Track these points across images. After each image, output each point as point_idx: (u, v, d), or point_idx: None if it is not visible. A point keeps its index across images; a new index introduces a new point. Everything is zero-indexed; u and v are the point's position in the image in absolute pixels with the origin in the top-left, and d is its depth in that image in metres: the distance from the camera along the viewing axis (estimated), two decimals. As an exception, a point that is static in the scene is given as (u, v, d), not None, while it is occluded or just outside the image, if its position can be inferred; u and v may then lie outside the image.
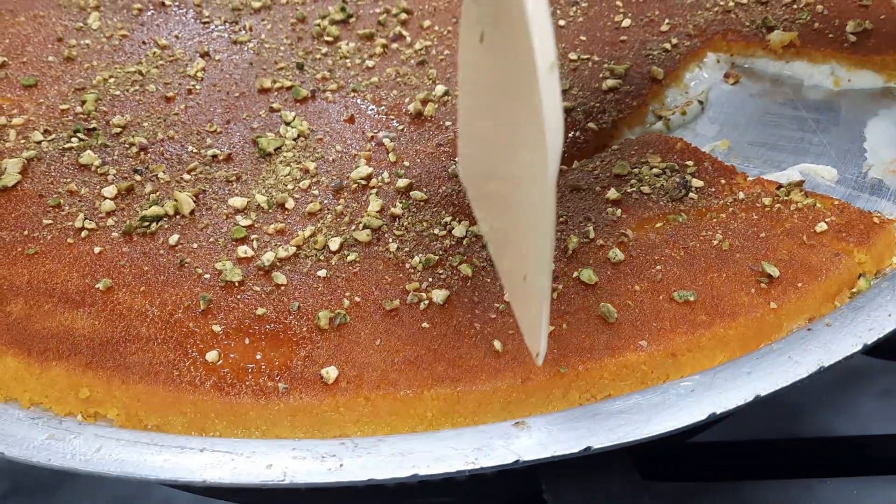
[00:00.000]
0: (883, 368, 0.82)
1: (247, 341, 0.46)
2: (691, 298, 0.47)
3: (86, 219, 0.55)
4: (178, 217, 0.55)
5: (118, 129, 0.63)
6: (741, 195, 0.54)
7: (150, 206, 0.55)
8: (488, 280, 0.49)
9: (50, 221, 0.55)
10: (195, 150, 0.61)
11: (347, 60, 0.70)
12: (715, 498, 0.71)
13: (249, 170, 0.59)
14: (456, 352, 0.45)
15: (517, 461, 0.39)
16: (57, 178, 0.59)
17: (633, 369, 0.45)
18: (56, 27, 0.77)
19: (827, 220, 0.52)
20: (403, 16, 0.75)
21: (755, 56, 0.69)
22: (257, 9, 0.78)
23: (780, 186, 0.55)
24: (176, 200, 0.56)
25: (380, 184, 0.57)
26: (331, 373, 0.44)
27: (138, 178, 0.59)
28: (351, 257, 0.51)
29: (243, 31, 0.75)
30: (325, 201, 0.56)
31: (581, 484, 0.43)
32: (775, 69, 0.69)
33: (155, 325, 0.48)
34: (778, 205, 0.54)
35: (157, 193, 0.57)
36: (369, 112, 0.65)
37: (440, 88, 0.65)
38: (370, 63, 0.70)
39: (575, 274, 0.49)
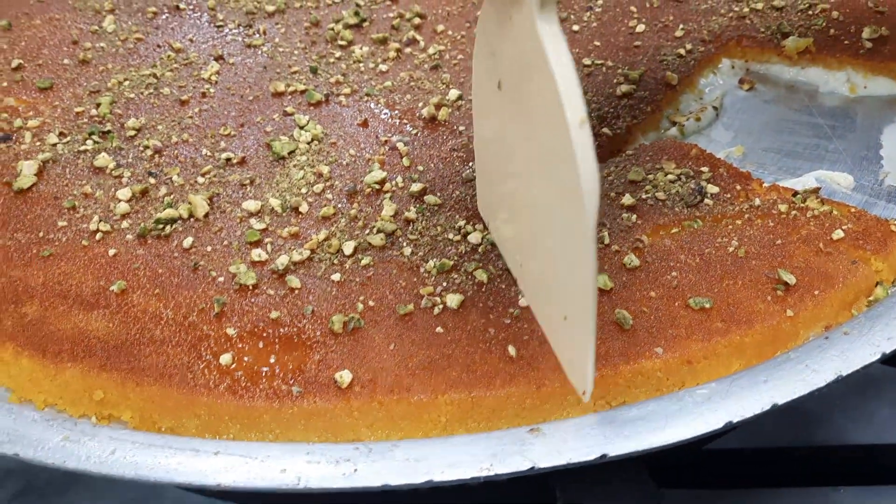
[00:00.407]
0: (897, 377, 0.81)
1: (261, 345, 0.46)
2: (707, 305, 0.47)
3: (100, 221, 0.55)
4: (192, 220, 0.55)
5: (133, 132, 0.64)
6: (757, 202, 0.54)
7: (164, 209, 0.56)
8: (503, 286, 0.49)
9: (65, 223, 0.55)
10: (209, 154, 0.61)
11: (361, 65, 0.71)
12: (728, 506, 0.71)
13: (263, 173, 0.59)
14: (470, 357, 0.45)
15: (532, 468, 0.39)
16: (72, 181, 0.59)
17: (649, 376, 0.45)
18: (71, 30, 0.77)
19: (843, 227, 0.52)
20: (417, 20, 0.75)
21: (770, 62, 0.69)
22: (271, 13, 0.78)
23: (796, 193, 0.55)
24: (190, 203, 0.56)
25: (393, 188, 0.57)
26: (345, 377, 0.44)
27: (152, 180, 0.59)
28: (365, 261, 0.51)
29: (257, 35, 0.75)
30: (339, 205, 0.56)
31: (595, 491, 0.42)
32: (790, 75, 0.68)
33: (169, 328, 0.48)
34: (794, 212, 0.53)
35: (172, 196, 0.57)
36: (383, 116, 0.65)
37: (454, 93, 0.65)
38: (384, 67, 0.70)
39: None
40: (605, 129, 0.62)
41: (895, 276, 0.51)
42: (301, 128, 0.63)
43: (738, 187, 0.56)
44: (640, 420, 0.40)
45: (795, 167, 0.61)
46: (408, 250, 0.52)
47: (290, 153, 0.61)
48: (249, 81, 0.69)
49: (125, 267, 0.52)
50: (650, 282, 0.49)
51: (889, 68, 0.66)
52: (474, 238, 0.53)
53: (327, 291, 0.49)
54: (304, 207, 0.56)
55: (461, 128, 0.63)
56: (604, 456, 0.39)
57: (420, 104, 0.65)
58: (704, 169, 0.57)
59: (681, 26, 0.71)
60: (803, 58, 0.68)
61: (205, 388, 0.44)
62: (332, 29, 0.75)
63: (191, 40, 0.75)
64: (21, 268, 0.52)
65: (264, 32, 0.76)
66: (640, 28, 0.71)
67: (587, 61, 0.68)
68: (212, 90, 0.69)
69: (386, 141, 0.62)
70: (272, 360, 0.45)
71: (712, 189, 0.55)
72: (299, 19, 0.77)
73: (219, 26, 0.77)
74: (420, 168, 0.59)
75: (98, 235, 0.54)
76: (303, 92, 0.67)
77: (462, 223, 0.54)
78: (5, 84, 0.69)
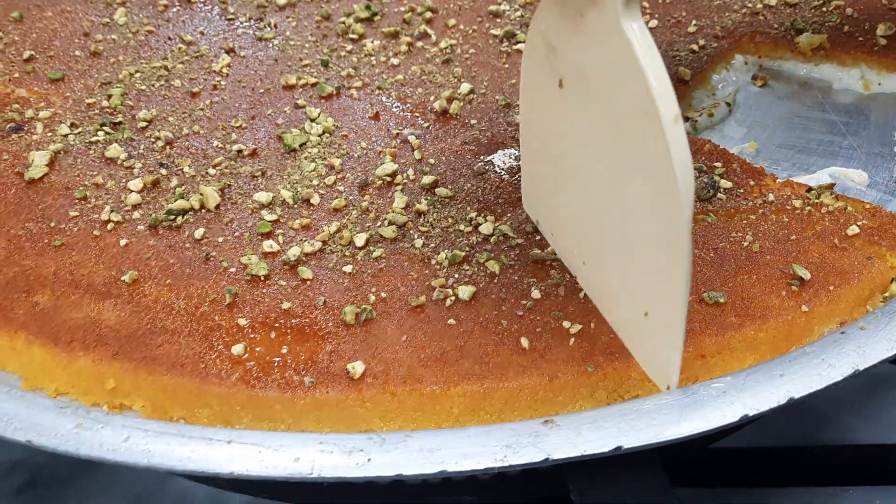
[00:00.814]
0: (907, 377, 0.81)
1: (273, 335, 0.46)
2: (721, 300, 0.47)
3: (112, 211, 0.55)
4: (203, 211, 0.55)
5: (144, 124, 0.64)
6: (771, 197, 0.54)
7: (175, 200, 0.55)
8: (515, 277, 0.49)
9: (76, 213, 0.55)
10: (220, 145, 0.61)
11: (372, 58, 0.70)
12: (738, 504, 0.71)
13: (274, 165, 0.59)
14: (482, 349, 0.45)
15: (546, 459, 0.39)
16: (83, 171, 0.59)
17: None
18: (83, 22, 0.77)
19: (858, 223, 0.51)
20: (428, 14, 0.75)
21: (783, 58, 0.69)
22: (282, 6, 0.78)
23: (810, 189, 0.55)
24: (202, 194, 0.56)
25: (405, 181, 0.57)
26: (357, 368, 0.44)
27: (164, 171, 0.59)
28: (376, 253, 0.51)
29: (268, 29, 0.75)
30: (351, 197, 0.56)
31: (609, 485, 0.42)
32: (804, 72, 0.68)
33: (181, 318, 0.48)
34: (808, 207, 0.53)
35: (183, 187, 0.57)
36: (394, 109, 0.64)
37: (465, 87, 0.65)
38: (395, 61, 0.70)
39: None
40: (618, 124, 0.62)
41: (910, 272, 0.51)
42: (312, 120, 0.63)
43: (752, 182, 0.56)
44: (655, 413, 0.40)
45: (809, 163, 0.61)
46: (419, 242, 0.52)
47: (301, 145, 0.61)
48: (260, 74, 0.69)
49: (137, 257, 0.52)
50: None
51: (903, 65, 0.66)
52: (486, 229, 0.52)
53: (339, 283, 0.49)
54: (315, 199, 0.56)
55: (473, 121, 0.62)
56: (618, 448, 0.39)
57: (432, 98, 0.65)
58: (717, 164, 0.57)
59: (693, 22, 0.71)
60: (817, 54, 0.68)
61: (217, 378, 0.44)
62: (343, 23, 0.74)
63: (202, 33, 0.75)
64: (33, 257, 0.52)
65: (275, 26, 0.76)
66: (653, 23, 0.71)
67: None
68: (223, 83, 0.68)
69: (397, 134, 0.62)
70: (284, 351, 0.45)
71: (725, 184, 0.55)
72: (310, 13, 0.77)
73: (229, 19, 0.77)
74: (431, 161, 0.59)
75: (109, 226, 0.54)
76: (314, 85, 0.67)
77: (473, 215, 0.54)
78: (17, 75, 0.69)
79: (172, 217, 0.55)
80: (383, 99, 0.66)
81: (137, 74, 0.70)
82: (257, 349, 0.46)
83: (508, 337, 0.45)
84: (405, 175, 0.57)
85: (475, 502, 0.54)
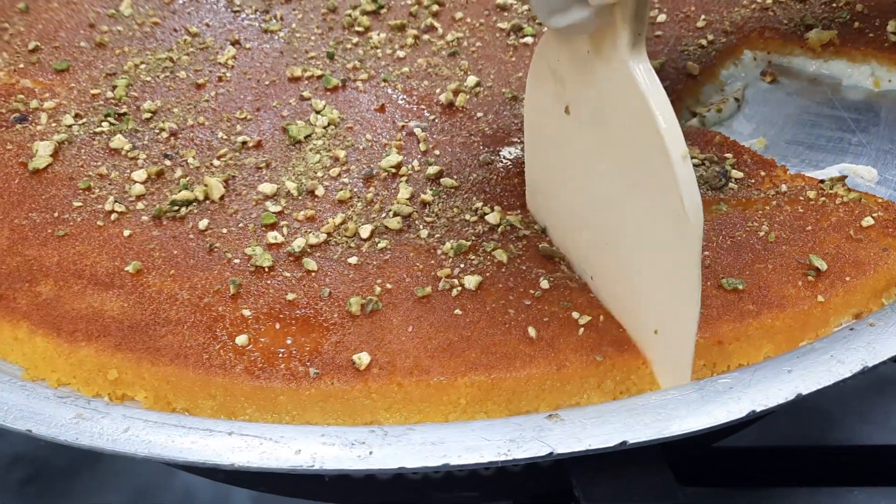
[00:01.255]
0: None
1: (277, 326, 0.46)
2: (740, 287, 0.46)
3: (116, 202, 0.55)
4: (207, 202, 0.55)
5: (148, 115, 0.63)
6: (784, 188, 0.54)
7: (179, 191, 0.55)
8: (523, 268, 0.49)
9: (80, 204, 0.55)
10: (225, 137, 0.61)
11: (378, 51, 0.70)
12: None
13: (279, 157, 0.59)
14: (489, 339, 0.44)
15: (551, 454, 0.39)
16: (87, 162, 0.59)
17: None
18: (88, 13, 0.77)
19: (874, 215, 0.51)
20: (435, 7, 0.74)
21: (793, 55, 0.68)
22: (288, -2, 0.78)
23: (822, 181, 0.55)
24: (206, 185, 0.55)
25: (410, 172, 0.56)
26: (363, 358, 0.43)
27: (168, 162, 0.58)
28: (381, 244, 0.51)
29: (274, 21, 0.75)
30: (355, 189, 0.55)
31: (614, 481, 0.42)
32: (813, 68, 0.68)
33: (185, 309, 0.47)
34: (823, 198, 0.53)
35: (187, 178, 0.57)
36: (400, 102, 0.64)
37: (472, 79, 0.65)
38: (401, 54, 0.69)
39: None
40: (625, 119, 0.62)
41: (926, 265, 0.51)
42: (317, 112, 0.63)
43: (763, 173, 0.55)
44: (661, 408, 0.40)
45: (818, 160, 0.60)
46: (424, 233, 0.51)
47: (306, 137, 0.60)
48: (266, 66, 0.69)
49: (140, 248, 0.52)
50: None
51: (914, 62, 0.65)
52: (492, 218, 0.52)
53: (344, 274, 0.49)
54: (320, 191, 0.55)
55: (479, 114, 0.62)
56: (624, 443, 0.39)
57: (438, 90, 0.65)
58: (728, 155, 0.56)
59: (702, 17, 0.70)
60: (827, 51, 0.67)
61: (221, 369, 0.44)
62: (350, 15, 0.74)
63: (207, 25, 0.75)
64: (36, 247, 0.52)
65: (281, 18, 0.75)
66: (661, 18, 0.71)
67: (607, 51, 0.68)
68: (228, 74, 0.68)
69: (403, 126, 0.61)
70: (289, 342, 0.45)
71: (737, 174, 0.54)
72: (316, 5, 0.77)
73: (235, 11, 0.77)
74: (437, 153, 0.58)
75: (113, 216, 0.54)
76: (319, 77, 0.67)
77: (479, 204, 0.53)
78: (22, 66, 0.68)
79: (176, 208, 0.54)
80: (389, 91, 0.65)
81: (143, 66, 0.69)
82: (262, 340, 0.45)
83: (516, 326, 0.45)
84: (410, 166, 0.57)
85: (478, 498, 0.54)
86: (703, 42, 0.68)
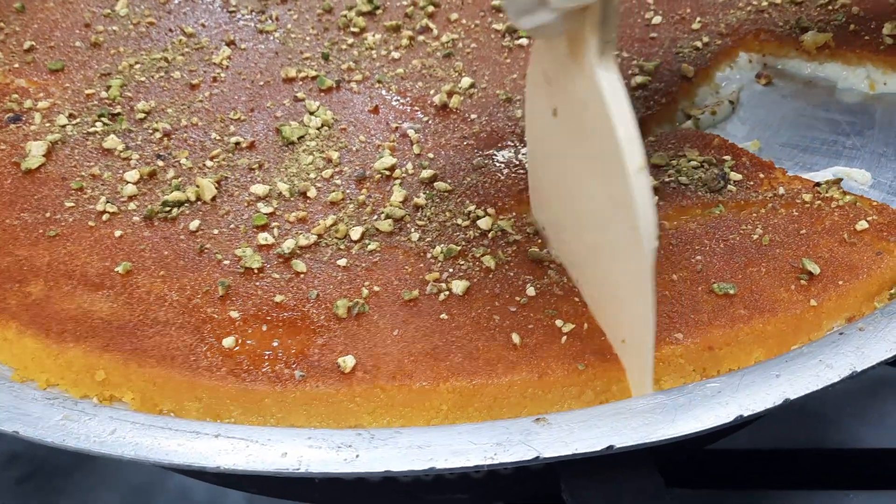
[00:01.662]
0: (911, 380, 0.80)
1: (264, 328, 0.46)
2: (731, 291, 0.46)
3: (107, 202, 0.55)
4: (199, 203, 0.55)
5: (142, 115, 0.63)
6: (781, 191, 0.53)
7: (171, 192, 0.55)
8: (511, 274, 0.49)
9: (72, 204, 0.55)
10: (218, 137, 0.61)
11: (373, 52, 0.70)
12: (735, 506, 0.70)
13: (272, 158, 0.59)
14: (473, 344, 0.44)
15: (537, 458, 0.39)
16: (80, 162, 0.59)
17: (669, 363, 0.44)
18: (84, 13, 0.77)
19: (868, 218, 0.51)
20: (431, 8, 0.74)
21: (788, 57, 0.68)
22: (284, -1, 0.78)
23: (818, 184, 0.54)
24: (198, 186, 0.55)
25: (403, 174, 0.56)
26: (348, 362, 0.43)
27: (161, 163, 0.58)
28: (371, 246, 0.51)
29: (269, 21, 0.75)
30: (348, 191, 0.55)
31: (602, 484, 0.42)
32: (809, 71, 0.67)
33: (173, 310, 0.47)
34: (818, 202, 0.53)
35: (179, 179, 0.57)
36: (394, 103, 0.64)
37: (466, 81, 0.65)
38: (396, 55, 0.69)
39: None
40: (619, 121, 0.61)
41: (919, 268, 0.50)
42: (311, 113, 0.63)
43: (762, 176, 0.55)
44: (648, 412, 0.40)
45: (812, 163, 0.60)
46: (415, 236, 0.51)
47: (299, 138, 0.60)
48: (260, 67, 0.69)
49: (131, 248, 0.52)
50: (672, 265, 0.48)
51: (910, 65, 0.65)
52: (484, 223, 0.52)
53: (333, 276, 0.49)
54: (312, 192, 0.55)
55: (473, 116, 0.62)
56: (610, 447, 0.39)
57: (432, 92, 0.65)
58: (727, 157, 0.56)
59: (698, 19, 0.70)
60: (822, 53, 0.67)
61: (207, 371, 0.44)
62: (345, 16, 0.74)
63: (203, 25, 0.75)
64: (27, 247, 0.52)
65: (276, 19, 0.75)
66: (657, 20, 0.70)
67: (602, 52, 0.67)
68: (222, 75, 0.68)
69: (396, 128, 0.61)
70: (275, 344, 0.45)
71: (735, 176, 0.54)
72: (312, 6, 0.77)
73: (231, 12, 0.77)
74: (430, 155, 0.58)
75: (105, 216, 0.54)
76: (314, 78, 0.67)
77: (472, 208, 0.53)
78: (17, 65, 0.68)
79: (168, 208, 0.54)
80: (383, 92, 0.65)
81: (137, 66, 0.69)
82: (248, 342, 0.45)
83: (500, 332, 0.45)
84: (404, 169, 0.57)
85: (468, 500, 0.54)
86: (699, 44, 0.67)
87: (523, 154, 0.58)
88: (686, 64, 0.65)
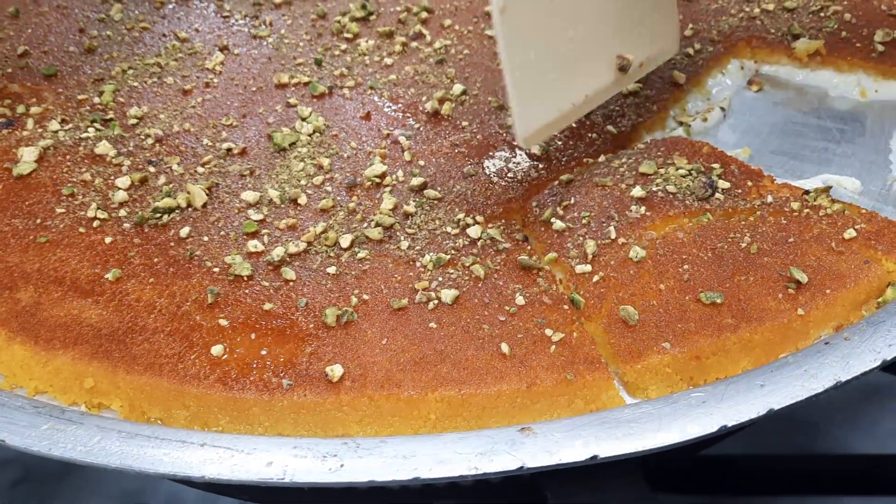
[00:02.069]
0: (903, 386, 0.80)
1: (253, 336, 0.46)
2: (718, 301, 0.46)
3: (98, 209, 0.55)
4: (190, 210, 0.55)
5: (134, 121, 0.63)
6: (769, 199, 0.53)
7: (162, 198, 0.55)
8: (500, 283, 0.49)
9: (63, 210, 0.55)
10: (210, 144, 0.61)
11: (366, 58, 0.70)
12: (726, 512, 0.70)
13: (263, 164, 0.59)
14: (462, 353, 0.44)
15: (521, 467, 0.39)
16: (72, 168, 0.59)
17: (657, 372, 0.44)
18: (78, 18, 0.77)
19: (856, 227, 0.51)
20: (424, 14, 0.74)
21: (780, 64, 0.68)
22: (278, 4, 0.78)
23: (807, 192, 0.54)
24: (189, 193, 0.55)
25: (394, 182, 0.56)
26: (335, 371, 0.43)
27: (152, 169, 0.58)
28: (361, 254, 0.51)
29: (263, 27, 0.75)
30: (338, 198, 0.56)
31: (588, 492, 0.42)
32: (800, 78, 0.67)
33: (162, 317, 0.47)
34: (806, 210, 0.53)
35: (171, 186, 0.57)
36: (386, 109, 0.64)
37: (458, 87, 0.65)
38: (389, 61, 0.69)
39: (596, 278, 0.48)
40: (610, 127, 0.62)
41: (906, 278, 0.50)
42: (303, 119, 0.63)
43: (750, 183, 0.55)
44: (633, 422, 0.40)
45: (802, 170, 0.60)
46: (405, 244, 0.51)
47: (291, 144, 0.60)
48: (253, 72, 0.69)
49: (121, 255, 0.52)
50: (660, 274, 0.48)
51: (901, 72, 0.65)
52: (474, 232, 0.52)
53: (322, 284, 0.49)
54: (302, 199, 0.55)
55: (464, 123, 0.62)
56: (594, 457, 0.39)
57: (424, 98, 0.65)
58: (715, 165, 0.56)
59: (690, 26, 0.70)
60: (814, 60, 0.67)
61: (195, 379, 0.44)
62: (339, 21, 0.74)
63: (196, 30, 0.75)
64: (18, 253, 0.52)
65: (270, 24, 0.75)
66: (649, 27, 0.70)
67: (594, 59, 0.68)
68: (215, 80, 0.68)
69: (388, 135, 0.61)
70: (264, 353, 0.45)
71: (723, 184, 0.54)
72: (306, 11, 0.77)
73: (225, 17, 0.77)
74: (421, 163, 0.58)
75: (95, 223, 0.54)
76: (306, 84, 0.67)
77: (461, 216, 0.53)
78: (10, 70, 0.69)
79: (159, 215, 0.54)
80: (375, 99, 0.65)
81: (130, 71, 0.70)
82: (237, 350, 0.45)
83: (489, 342, 0.45)
84: (394, 176, 0.57)
85: (458, 506, 0.54)
86: (691, 51, 0.67)
87: (514, 162, 0.58)
88: (677, 71, 0.66)
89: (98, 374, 0.45)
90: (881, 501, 0.72)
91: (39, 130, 0.62)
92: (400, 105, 0.64)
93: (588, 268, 0.49)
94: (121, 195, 0.56)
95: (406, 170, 0.58)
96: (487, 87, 0.66)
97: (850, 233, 0.50)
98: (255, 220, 0.54)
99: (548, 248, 0.52)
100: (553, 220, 0.53)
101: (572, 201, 0.54)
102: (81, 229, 0.54)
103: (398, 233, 0.52)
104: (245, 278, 0.49)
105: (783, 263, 0.49)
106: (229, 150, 0.60)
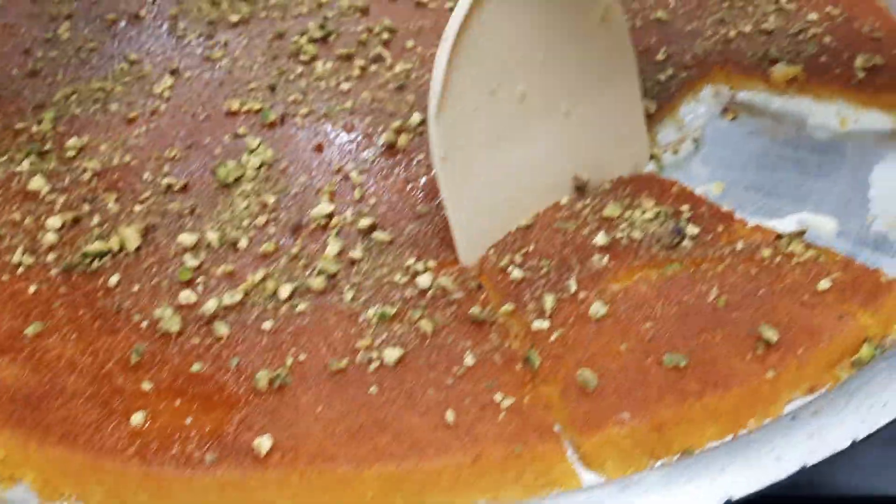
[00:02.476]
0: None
1: (178, 403, 0.42)
2: (682, 363, 0.43)
3: (24, 253, 0.51)
4: (122, 254, 0.52)
5: (73, 152, 0.60)
6: (739, 245, 0.50)
7: (93, 241, 0.52)
8: (449, 340, 0.45)
9: (-14, 255, 0.51)
10: (150, 178, 0.58)
11: (322, 82, 0.66)
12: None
13: (205, 202, 0.55)
14: (404, 423, 0.41)
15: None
16: (1, 206, 0.55)
17: (616, 445, 0.41)
18: (25, 38, 0.74)
19: (831, 276, 0.47)
20: (386, 35, 0.71)
21: (756, 90, 0.65)
22: (234, 23, 0.74)
23: (780, 236, 0.51)
24: (121, 236, 0.52)
25: (341, 223, 0.53)
26: (264, 444, 0.40)
27: (87, 208, 0.55)
28: (301, 307, 0.47)
29: (217, 48, 0.71)
30: (282, 241, 0.52)
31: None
32: (777, 105, 0.64)
33: (82, 379, 0.44)
34: (778, 257, 0.49)
35: (104, 227, 0.53)
36: (339, 141, 0.61)
37: (416, 117, 0.61)
38: (346, 86, 0.66)
39: (554, 336, 0.45)
40: (575, 161, 0.58)
41: (884, 332, 0.47)
42: (251, 152, 0.59)
43: (720, 228, 0.52)
44: (580, 510, 0.36)
45: (777, 208, 0.56)
46: (349, 295, 0.48)
47: (236, 180, 0.57)
48: (203, 99, 0.66)
49: (45, 306, 0.48)
50: (621, 333, 0.45)
51: (882, 101, 0.61)
52: (423, 281, 0.49)
53: (256, 341, 0.45)
54: (243, 243, 0.52)
55: (420, 157, 0.58)
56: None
57: (380, 128, 0.61)
58: (684, 208, 0.53)
59: (663, 49, 0.66)
60: (791, 86, 0.63)
61: (111, 452, 0.40)
62: (296, 42, 0.71)
63: (147, 52, 0.72)
64: (-66, 305, 0.48)
65: (225, 44, 0.72)
66: (620, 50, 0.67)
67: (561, 85, 0.64)
68: (163, 107, 0.65)
69: (339, 169, 0.58)
70: (188, 421, 0.42)
71: (692, 230, 0.51)
72: (263, 30, 0.73)
73: (179, 37, 0.73)
74: (372, 201, 0.55)
75: (20, 270, 0.51)
76: (258, 111, 0.64)
77: (412, 261, 0.50)
78: (-56, 97, 0.65)
79: (88, 260, 0.51)
80: (328, 129, 0.62)
81: (74, 96, 0.66)
82: (159, 419, 0.42)
83: (433, 409, 0.42)
84: (342, 217, 0.54)
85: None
86: (662, 77, 0.64)
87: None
88: (648, 99, 0.62)
89: (9, 444, 0.42)
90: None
91: (-30, 164, 0.58)
92: (354, 135, 0.61)
93: (546, 324, 0.46)
94: (50, 237, 0.52)
95: (355, 209, 0.54)
96: (448, 115, 0.63)
97: (824, 284, 0.47)
98: (190, 267, 0.50)
99: (504, 298, 0.48)
100: (510, 267, 0.49)
101: (531, 248, 0.50)
102: (5, 276, 0.50)
103: (342, 282, 0.49)
104: (174, 335, 0.46)
105: (752, 319, 0.45)
106: (170, 186, 0.56)
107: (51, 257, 0.51)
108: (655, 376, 0.42)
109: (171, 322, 0.46)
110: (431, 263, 0.50)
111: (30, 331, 0.46)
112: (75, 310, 0.48)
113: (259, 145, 0.60)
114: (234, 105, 0.64)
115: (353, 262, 0.50)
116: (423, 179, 0.57)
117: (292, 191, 0.56)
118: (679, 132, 0.63)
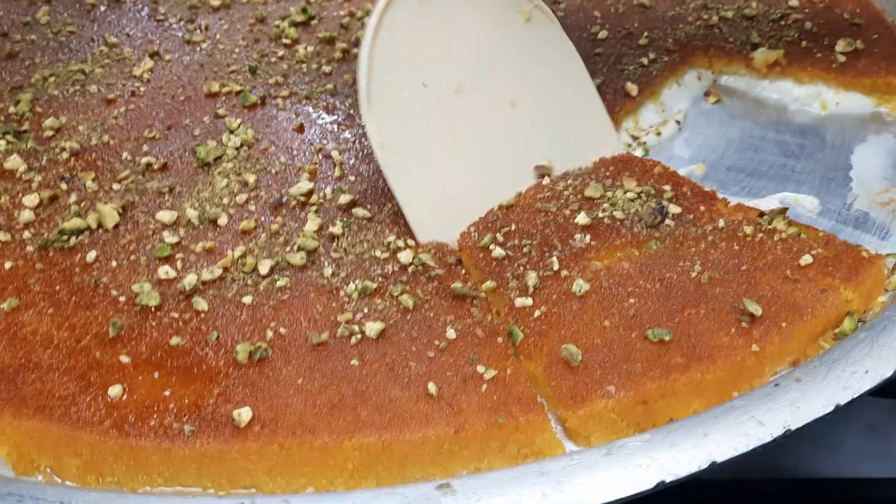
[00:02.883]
0: (868, 402, 0.77)
1: (156, 375, 0.42)
2: (666, 338, 0.43)
3: (0, 230, 0.50)
4: (100, 231, 0.51)
5: (51, 132, 0.59)
6: (721, 223, 0.50)
7: (70, 218, 0.51)
8: (430, 314, 0.45)
9: (-40, 232, 0.50)
10: (129, 158, 0.57)
11: (304, 65, 0.66)
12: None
13: (185, 181, 0.55)
14: (385, 395, 0.41)
15: (437, 529, 0.35)
16: (-23, 185, 0.54)
17: (601, 418, 0.41)
18: (3, 21, 0.73)
19: (812, 252, 0.47)
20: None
21: (738, 74, 0.65)
22: (216, 7, 0.74)
23: (762, 214, 0.51)
24: (98, 213, 0.51)
25: (321, 200, 0.53)
26: (243, 415, 0.39)
27: (64, 186, 0.54)
28: (281, 282, 0.47)
29: (198, 31, 0.71)
30: (262, 218, 0.52)
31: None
32: (759, 89, 0.64)
33: (59, 353, 0.43)
34: (760, 234, 0.49)
35: (82, 204, 0.53)
36: (320, 121, 0.60)
37: (399, 98, 0.61)
38: (327, 69, 0.65)
39: (537, 313, 0.45)
40: (558, 142, 0.58)
41: (865, 306, 0.47)
42: (231, 132, 0.59)
43: (703, 207, 0.52)
44: (563, 476, 0.36)
45: (759, 188, 0.57)
46: (329, 270, 0.47)
47: (216, 159, 0.56)
48: (183, 80, 0.65)
49: (20, 282, 0.47)
50: (605, 309, 0.45)
51: (862, 84, 0.62)
52: (404, 257, 0.48)
53: (236, 316, 0.45)
54: (223, 220, 0.51)
55: (402, 136, 0.58)
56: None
57: (362, 110, 0.61)
58: (667, 187, 0.53)
59: (645, 34, 0.67)
60: (773, 70, 0.64)
61: (88, 424, 0.40)
62: (278, 26, 0.70)
63: (128, 35, 0.71)
64: None
65: (206, 28, 0.71)
66: (603, 34, 0.67)
67: (544, 68, 0.64)
68: (142, 89, 0.64)
69: (320, 149, 0.57)
70: (167, 394, 0.41)
71: (674, 209, 0.51)
72: (244, 15, 0.73)
73: (159, 20, 0.73)
74: (352, 178, 0.55)
75: (-5, 246, 0.50)
76: (238, 93, 0.63)
77: (392, 238, 0.50)
78: (-81, 79, 0.64)
79: (65, 237, 0.50)
80: (309, 109, 0.61)
81: (52, 78, 0.65)
82: (137, 391, 0.41)
83: (415, 381, 0.41)
84: (322, 194, 0.53)
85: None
86: (645, 60, 0.64)
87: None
88: (630, 82, 0.62)
89: (-17, 418, 0.41)
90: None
91: (-55, 144, 0.57)
92: (335, 116, 0.61)
93: (529, 301, 0.45)
94: (27, 215, 0.52)
95: (335, 186, 0.54)
96: (430, 97, 0.62)
97: (806, 259, 0.47)
98: (169, 244, 0.49)
99: (486, 276, 0.48)
100: (492, 246, 0.49)
101: (513, 227, 0.50)
102: (-21, 254, 0.49)
103: (322, 258, 0.48)
104: (153, 309, 0.45)
105: (736, 294, 0.45)
106: (149, 165, 0.56)
107: (27, 234, 0.51)
108: (640, 351, 0.42)
109: (149, 297, 0.45)
110: (412, 241, 0.50)
111: (4, 306, 0.46)
112: (52, 285, 0.47)
113: (239, 126, 0.59)
114: (215, 87, 0.63)
115: (333, 238, 0.50)
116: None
117: (273, 170, 0.56)
118: (662, 115, 0.63)
